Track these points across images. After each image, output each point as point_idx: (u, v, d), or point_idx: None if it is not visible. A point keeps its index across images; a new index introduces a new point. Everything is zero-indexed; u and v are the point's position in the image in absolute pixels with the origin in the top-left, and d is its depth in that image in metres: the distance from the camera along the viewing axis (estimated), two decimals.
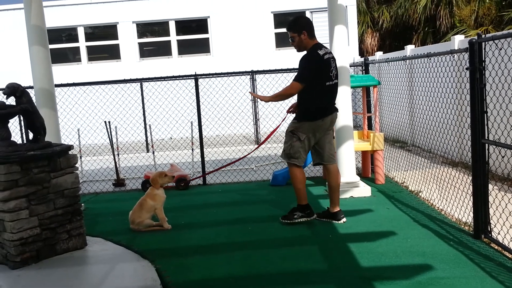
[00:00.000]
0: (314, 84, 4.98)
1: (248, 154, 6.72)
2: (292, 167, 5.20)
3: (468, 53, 4.50)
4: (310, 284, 3.88)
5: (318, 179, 7.58)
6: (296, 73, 5.06)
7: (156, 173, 5.74)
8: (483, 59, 4.40)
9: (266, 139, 6.67)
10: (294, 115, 5.33)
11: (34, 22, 6.17)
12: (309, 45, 5.10)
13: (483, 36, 4.42)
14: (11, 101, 4.82)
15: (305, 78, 4.97)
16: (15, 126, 9.55)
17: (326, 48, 5.19)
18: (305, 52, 5.17)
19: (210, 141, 12.82)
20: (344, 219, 5.29)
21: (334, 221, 5.29)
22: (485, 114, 4.44)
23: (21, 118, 8.12)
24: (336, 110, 5.29)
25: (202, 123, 8.10)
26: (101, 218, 6.16)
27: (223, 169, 8.27)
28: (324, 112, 5.11)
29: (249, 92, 5.81)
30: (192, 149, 9.26)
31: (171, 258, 4.59)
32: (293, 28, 5.11)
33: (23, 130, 8.50)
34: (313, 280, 3.93)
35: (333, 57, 5.18)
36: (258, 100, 13.57)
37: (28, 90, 5.00)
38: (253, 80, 13.50)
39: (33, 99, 5.08)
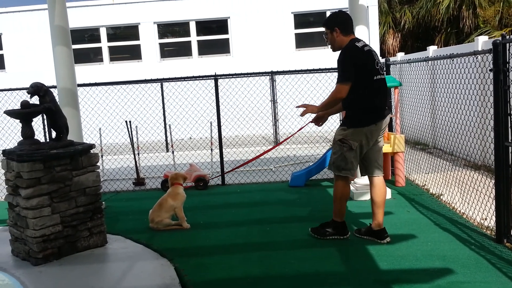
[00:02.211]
0: (361, 80, 4.39)
1: (268, 151, 6.54)
2: (338, 180, 4.67)
3: (492, 54, 4.43)
4: (328, 286, 3.86)
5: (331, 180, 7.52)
6: (338, 74, 4.50)
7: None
8: (507, 60, 4.32)
9: (284, 140, 6.54)
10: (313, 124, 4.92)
11: (58, 23, 6.27)
12: (344, 42, 4.54)
13: (507, 37, 4.35)
14: (35, 100, 4.90)
15: (348, 76, 4.36)
16: (38, 125, 9.71)
17: (364, 41, 4.67)
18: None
19: (229, 142, 12.85)
20: (388, 239, 4.68)
21: (377, 240, 4.70)
22: (509, 117, 4.37)
23: (45, 117, 8.26)
24: (390, 111, 4.73)
25: (222, 124, 8.12)
26: (121, 217, 6.22)
27: (241, 169, 8.28)
28: (377, 115, 4.52)
29: (297, 107, 4.85)
30: (211, 149, 9.30)
31: (190, 257, 4.62)
32: (326, 23, 4.62)
33: (46, 129, 8.65)
34: (331, 283, 3.91)
35: (373, 50, 4.61)
36: (278, 101, 13.56)
37: (52, 90, 5.07)
38: (272, 81, 13.49)
39: (56, 98, 5.16)
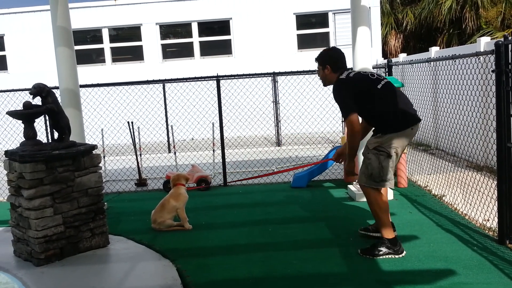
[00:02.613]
0: (368, 98, 4.35)
1: (270, 174, 6.51)
2: (373, 192, 4.38)
3: (494, 55, 4.42)
4: (330, 287, 3.86)
5: (339, 182, 7.54)
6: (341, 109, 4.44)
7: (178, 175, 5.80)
8: (510, 61, 4.31)
9: (283, 171, 6.43)
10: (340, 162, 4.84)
11: (60, 24, 6.28)
12: (333, 79, 4.58)
13: (510, 38, 4.34)
14: (37, 101, 4.91)
15: (351, 107, 4.32)
16: (40, 125, 9.73)
17: (350, 69, 4.76)
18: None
19: (231, 142, 12.86)
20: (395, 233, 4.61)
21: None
22: (511, 118, 4.36)
23: (47, 117, 8.27)
24: (419, 119, 4.46)
25: (224, 124, 8.12)
26: (124, 217, 6.23)
27: (243, 170, 8.28)
28: (411, 117, 4.37)
29: (335, 161, 4.79)
30: (214, 150, 9.30)
31: (192, 258, 4.62)
32: (318, 60, 4.70)
33: (49, 130, 8.66)
34: (333, 283, 3.91)
35: (360, 71, 4.71)
36: (280, 102, 13.57)
37: (54, 91, 5.08)
38: (274, 82, 13.50)
39: (59, 99, 5.17)
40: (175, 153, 9.60)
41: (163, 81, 9.26)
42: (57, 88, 6.54)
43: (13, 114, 4.71)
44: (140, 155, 8.98)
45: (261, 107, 13.95)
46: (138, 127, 9.89)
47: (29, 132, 4.75)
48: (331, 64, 4.60)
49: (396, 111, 4.31)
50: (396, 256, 4.34)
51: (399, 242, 4.42)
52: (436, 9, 18.70)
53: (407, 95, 10.49)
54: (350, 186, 6.66)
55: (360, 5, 6.33)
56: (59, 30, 6.30)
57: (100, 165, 5.08)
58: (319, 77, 4.81)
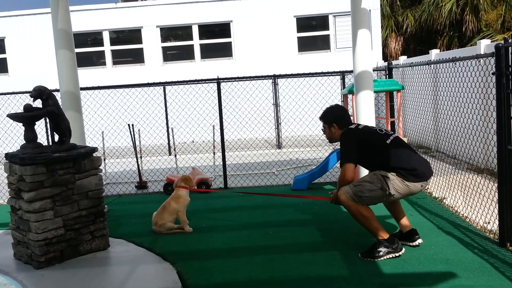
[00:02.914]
0: (374, 150, 4.42)
1: (272, 195, 6.49)
2: (352, 203, 4.36)
3: (494, 57, 4.43)
4: None
5: (334, 184, 7.51)
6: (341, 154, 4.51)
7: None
8: (510, 64, 4.32)
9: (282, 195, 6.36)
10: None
11: (61, 27, 6.29)
12: (340, 135, 4.66)
13: (510, 40, 4.34)
14: (38, 103, 4.91)
15: (351, 157, 4.40)
16: (41, 128, 9.74)
17: (357, 123, 4.83)
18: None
19: (231, 145, 12.86)
20: (420, 240, 4.65)
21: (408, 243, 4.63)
22: None
23: (47, 120, 8.27)
24: (432, 173, 4.48)
25: (224, 127, 8.13)
26: (124, 220, 6.23)
27: (244, 172, 8.27)
28: (422, 175, 4.35)
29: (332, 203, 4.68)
30: (214, 153, 9.30)
31: (192, 260, 4.61)
32: (324, 119, 4.76)
33: (49, 132, 8.67)
34: (334, 286, 3.90)
35: (370, 126, 4.77)
36: (280, 105, 13.57)
37: (55, 93, 5.09)
38: (275, 84, 13.50)
39: (59, 102, 5.17)
40: (175, 155, 9.60)
41: (164, 84, 9.27)
42: (57, 90, 6.54)
43: (14, 116, 4.71)
44: (141, 157, 8.98)
45: (261, 110, 13.95)
46: (139, 130, 9.89)
47: (30, 134, 4.75)
48: (338, 122, 4.68)
49: (408, 166, 4.32)
50: (396, 255, 4.35)
51: (396, 240, 4.43)
52: (436, 12, 18.70)
53: (408, 98, 10.54)
54: None
55: (360, 8, 6.34)
56: (59, 33, 6.31)
57: (101, 167, 5.08)
58: (325, 135, 4.86)
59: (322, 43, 16.36)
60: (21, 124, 4.77)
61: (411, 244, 4.59)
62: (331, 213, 5.98)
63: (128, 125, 8.89)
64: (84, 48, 16.51)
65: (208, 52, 16.68)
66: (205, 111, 14.30)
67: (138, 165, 8.50)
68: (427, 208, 5.91)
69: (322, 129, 4.86)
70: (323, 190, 7.30)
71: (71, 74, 6.44)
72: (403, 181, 4.30)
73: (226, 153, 8.25)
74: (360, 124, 4.77)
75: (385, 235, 4.40)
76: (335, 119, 4.69)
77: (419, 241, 4.59)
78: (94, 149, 5.02)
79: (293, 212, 6.15)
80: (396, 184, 4.30)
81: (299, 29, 16.39)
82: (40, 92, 4.79)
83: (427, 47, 18.87)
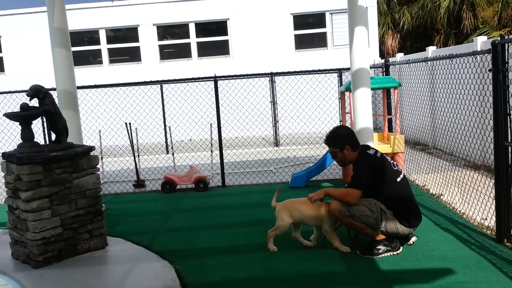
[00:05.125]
0: (387, 183, 4.40)
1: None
2: (346, 220, 4.40)
3: (491, 54, 4.43)
4: (329, 286, 3.87)
5: (337, 181, 7.54)
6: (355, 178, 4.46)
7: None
8: (507, 60, 4.32)
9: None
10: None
11: (57, 25, 6.28)
12: (354, 156, 4.57)
13: (506, 37, 4.35)
14: (34, 102, 4.90)
15: (364, 181, 4.37)
16: (38, 127, 9.71)
17: (371, 147, 4.74)
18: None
19: (229, 143, 12.86)
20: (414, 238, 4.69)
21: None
22: (508, 116, 4.37)
23: (44, 119, 8.26)
24: (420, 219, 4.56)
25: (222, 125, 8.12)
26: (122, 219, 6.22)
27: (242, 170, 8.27)
28: (415, 220, 4.48)
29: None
30: (211, 151, 9.30)
31: (191, 258, 4.61)
32: (334, 144, 4.57)
33: (46, 131, 8.64)
34: (333, 283, 3.91)
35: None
36: (278, 103, 13.57)
37: (51, 92, 5.07)
38: (272, 82, 13.50)
39: (56, 100, 5.16)
40: (173, 154, 9.60)
41: (161, 82, 9.26)
42: (54, 89, 6.52)
43: (10, 116, 4.70)
44: (138, 156, 8.97)
45: (259, 108, 13.95)
46: (136, 128, 9.88)
47: (27, 134, 4.74)
48: (350, 143, 4.57)
49: (406, 211, 4.43)
50: (394, 253, 4.38)
51: (395, 239, 4.45)
52: (433, 9, 18.74)
53: (405, 95, 10.55)
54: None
55: (357, 5, 6.34)
56: (56, 32, 6.29)
57: (98, 166, 5.08)
58: (335, 160, 4.71)
59: (319, 41, 16.36)
60: (18, 123, 4.76)
61: (407, 243, 4.60)
62: None
63: (126, 123, 8.88)
64: (81, 47, 16.48)
65: (205, 50, 16.66)
66: (202, 109, 14.30)
67: (135, 164, 8.49)
68: (424, 205, 5.92)
69: (331, 154, 4.68)
70: (321, 187, 7.29)
71: (68, 73, 6.42)
72: (397, 223, 4.39)
73: (223, 151, 8.26)
74: (377, 151, 4.61)
75: (382, 236, 4.44)
76: (347, 141, 4.56)
77: (413, 239, 4.62)
78: (91, 148, 5.01)
79: None
80: (389, 222, 4.38)
81: (296, 27, 16.39)
82: (36, 91, 4.77)
83: (424, 44, 18.90)
